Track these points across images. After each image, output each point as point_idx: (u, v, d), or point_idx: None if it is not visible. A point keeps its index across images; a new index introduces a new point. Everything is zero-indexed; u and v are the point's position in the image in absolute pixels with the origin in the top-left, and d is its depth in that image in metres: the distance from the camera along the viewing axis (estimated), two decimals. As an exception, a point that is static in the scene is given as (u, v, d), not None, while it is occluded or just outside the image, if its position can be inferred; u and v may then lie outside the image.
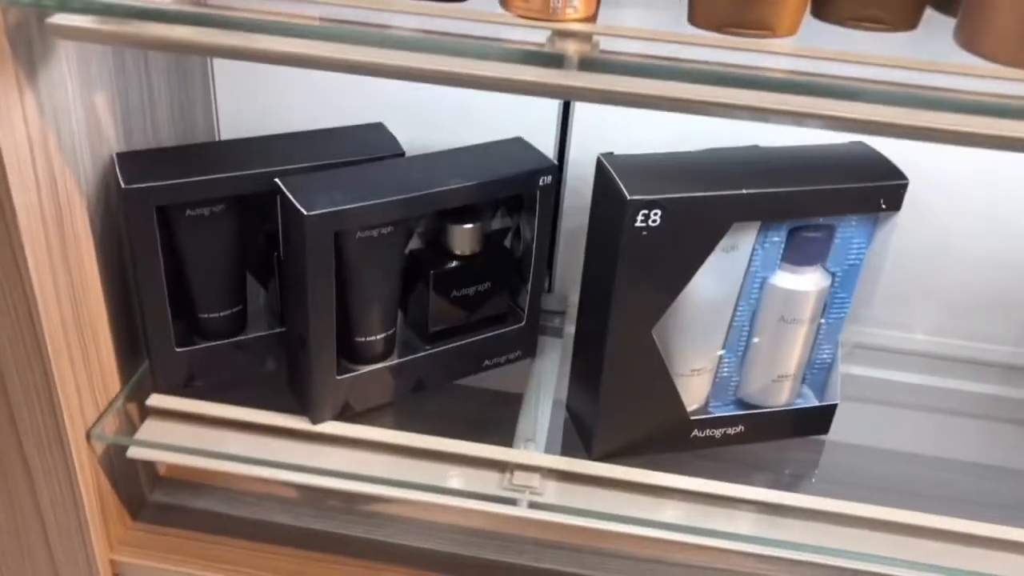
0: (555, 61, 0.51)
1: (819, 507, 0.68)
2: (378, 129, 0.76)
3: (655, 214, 0.60)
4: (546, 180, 0.72)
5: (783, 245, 0.67)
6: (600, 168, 0.63)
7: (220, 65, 0.81)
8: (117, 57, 0.66)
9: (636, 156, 0.64)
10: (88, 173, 0.66)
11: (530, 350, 0.81)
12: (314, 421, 0.72)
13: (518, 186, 0.72)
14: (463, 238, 0.73)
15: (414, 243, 0.75)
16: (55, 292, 0.64)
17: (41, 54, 0.58)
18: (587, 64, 0.51)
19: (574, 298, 0.71)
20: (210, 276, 0.73)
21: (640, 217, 0.60)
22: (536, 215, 0.73)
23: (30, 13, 0.55)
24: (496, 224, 0.78)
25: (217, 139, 0.85)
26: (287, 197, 0.64)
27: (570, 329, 0.82)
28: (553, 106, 0.80)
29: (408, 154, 0.73)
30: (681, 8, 0.56)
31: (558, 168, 0.73)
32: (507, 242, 0.79)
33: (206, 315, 0.74)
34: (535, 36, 0.53)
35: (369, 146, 0.73)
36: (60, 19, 0.54)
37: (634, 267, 0.62)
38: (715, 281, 0.66)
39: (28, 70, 0.57)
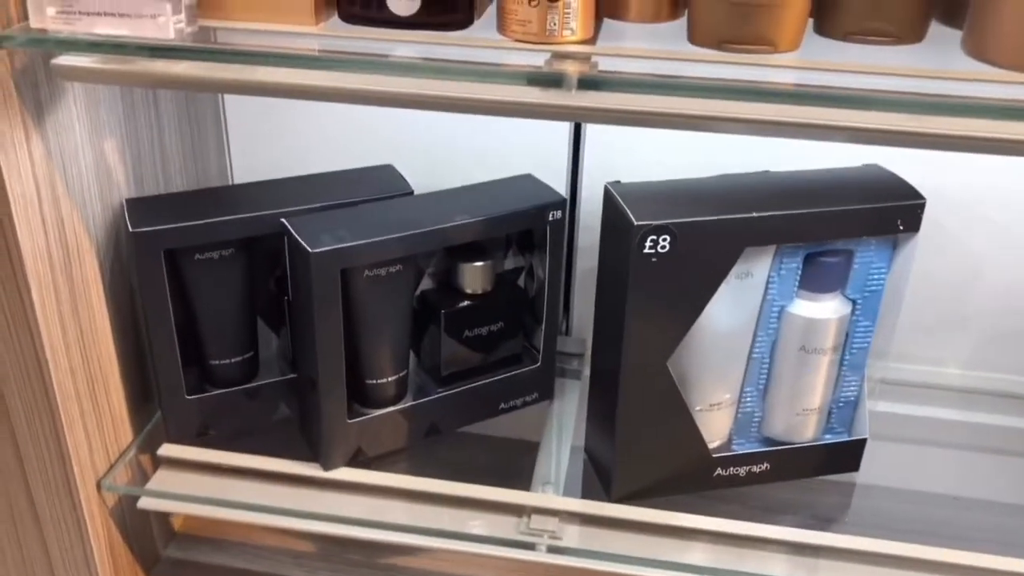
0: (555, 82, 0.50)
1: (856, 547, 0.65)
2: (387, 170, 0.76)
3: (664, 240, 0.59)
4: (556, 215, 0.71)
5: (800, 271, 0.65)
6: (607, 196, 0.62)
7: (232, 110, 0.82)
8: (127, 102, 0.67)
9: (644, 183, 0.63)
10: (98, 218, 0.66)
11: (547, 392, 0.79)
12: (326, 467, 0.70)
13: (528, 221, 0.71)
14: (474, 276, 0.72)
15: (425, 284, 0.74)
16: (63, 339, 0.63)
17: (49, 97, 0.59)
18: (587, 83, 0.50)
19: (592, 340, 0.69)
20: (221, 321, 0.72)
21: (648, 243, 0.59)
22: (548, 251, 0.72)
23: (36, 55, 0.56)
24: (509, 264, 0.77)
25: (231, 184, 0.85)
26: (293, 236, 0.64)
27: (589, 371, 0.80)
28: (563, 146, 0.80)
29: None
30: (680, 30, 0.56)
31: (568, 202, 0.72)
32: (521, 282, 0.77)
33: (217, 361, 0.73)
34: (534, 59, 0.53)
35: (378, 186, 0.73)
36: (65, 60, 0.55)
37: (645, 296, 0.61)
38: (730, 310, 0.64)
39: (35, 113, 0.58)
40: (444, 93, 0.51)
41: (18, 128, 0.56)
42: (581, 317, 0.88)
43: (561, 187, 0.79)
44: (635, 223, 0.58)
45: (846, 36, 0.55)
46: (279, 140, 0.85)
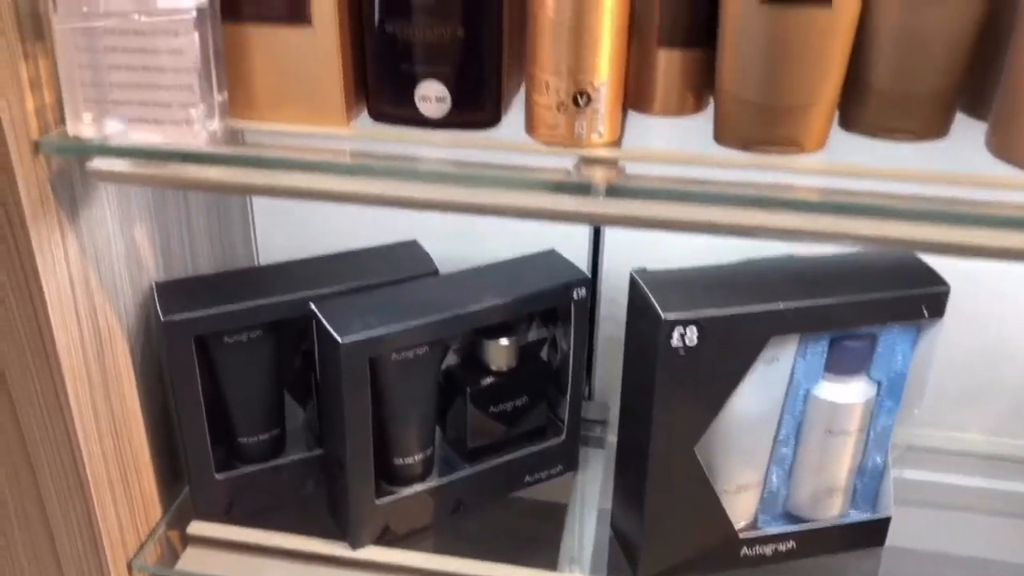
0: (583, 189, 0.51)
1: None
2: (412, 247, 0.76)
3: (691, 332, 0.59)
4: (580, 293, 0.71)
5: (825, 355, 0.65)
6: (634, 285, 0.63)
7: (257, 192, 0.83)
8: (157, 193, 0.68)
9: (669, 272, 0.63)
10: (128, 305, 0.67)
11: (572, 464, 0.79)
12: (354, 546, 0.71)
13: (552, 300, 0.71)
14: (499, 353, 0.73)
15: (450, 359, 0.75)
16: (96, 427, 0.64)
17: (83, 196, 0.60)
18: (614, 191, 0.51)
19: (615, 405, 0.70)
20: (249, 400, 0.73)
21: (676, 336, 0.59)
22: (572, 328, 0.73)
23: (72, 159, 0.57)
24: (532, 336, 0.77)
25: (256, 261, 0.86)
26: (322, 324, 0.64)
27: (612, 438, 0.81)
28: (586, 217, 0.80)
29: (443, 269, 0.74)
30: (704, 122, 0.56)
31: (592, 280, 0.72)
32: (544, 353, 0.78)
33: (245, 439, 0.74)
34: (563, 163, 0.53)
35: (403, 266, 0.73)
36: (100, 163, 0.56)
37: (673, 386, 0.61)
38: (757, 394, 0.64)
39: (70, 212, 0.59)
40: (473, 200, 0.52)
41: (54, 230, 0.57)
42: (603, 381, 0.88)
43: (582, 257, 0.79)
44: (663, 317, 0.58)
45: (871, 132, 0.55)
46: (303, 214, 0.85)
